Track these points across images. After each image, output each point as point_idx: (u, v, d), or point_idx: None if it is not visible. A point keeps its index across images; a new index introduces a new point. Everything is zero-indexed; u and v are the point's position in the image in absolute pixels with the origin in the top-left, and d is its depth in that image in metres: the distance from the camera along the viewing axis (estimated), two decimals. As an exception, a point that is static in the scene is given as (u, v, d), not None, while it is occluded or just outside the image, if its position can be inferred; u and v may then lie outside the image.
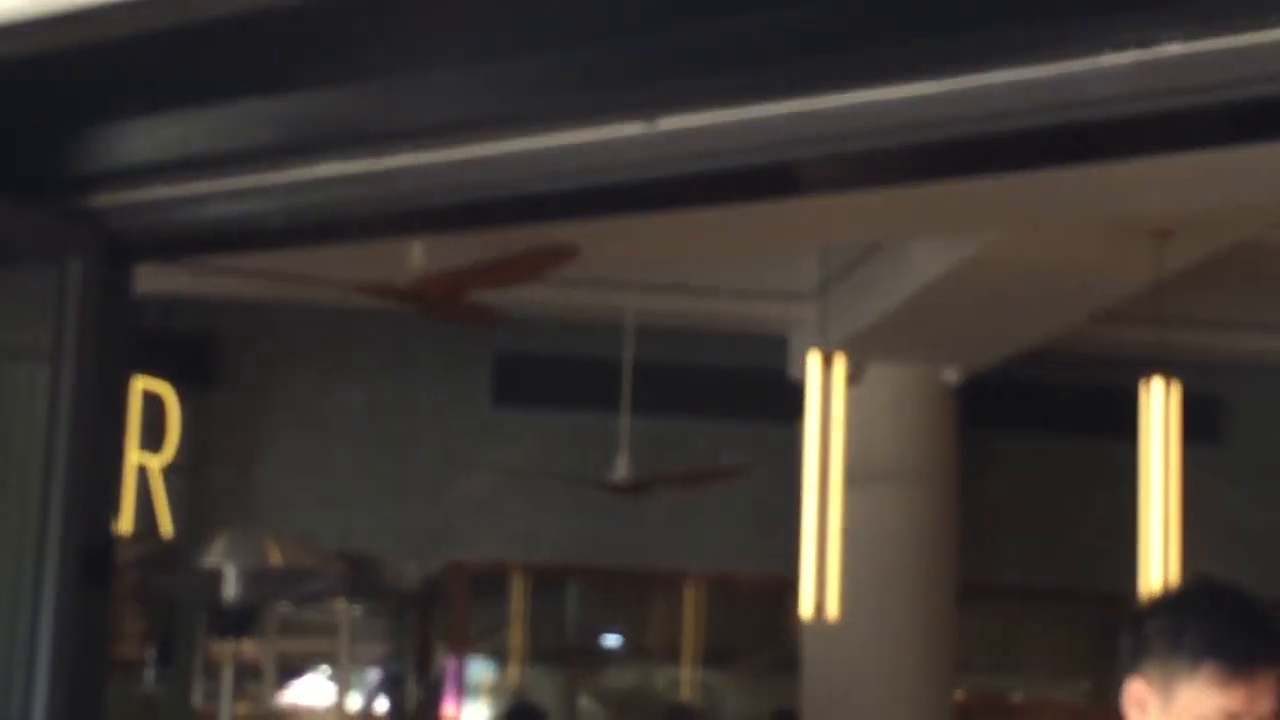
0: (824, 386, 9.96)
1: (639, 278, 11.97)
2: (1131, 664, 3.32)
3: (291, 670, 15.73)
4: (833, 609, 9.97)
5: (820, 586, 9.80)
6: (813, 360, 10.17)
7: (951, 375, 12.27)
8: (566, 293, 11.89)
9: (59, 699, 4.38)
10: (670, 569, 14.00)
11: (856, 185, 5.06)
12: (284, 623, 14.80)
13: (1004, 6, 3.55)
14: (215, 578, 5.00)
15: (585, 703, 15.15)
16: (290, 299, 12.04)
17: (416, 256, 7.87)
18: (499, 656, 14.75)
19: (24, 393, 4.70)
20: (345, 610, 14.87)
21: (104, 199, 4.67)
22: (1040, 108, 3.55)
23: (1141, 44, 3.36)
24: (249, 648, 14.95)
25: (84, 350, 4.61)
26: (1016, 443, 13.65)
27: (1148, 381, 9.18)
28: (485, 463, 13.00)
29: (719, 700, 15.14)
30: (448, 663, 13.94)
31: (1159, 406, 8.98)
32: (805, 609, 10.05)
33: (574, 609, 14.89)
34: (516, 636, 14.74)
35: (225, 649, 5.11)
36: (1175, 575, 8.86)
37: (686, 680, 14.91)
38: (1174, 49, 3.34)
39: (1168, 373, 9.67)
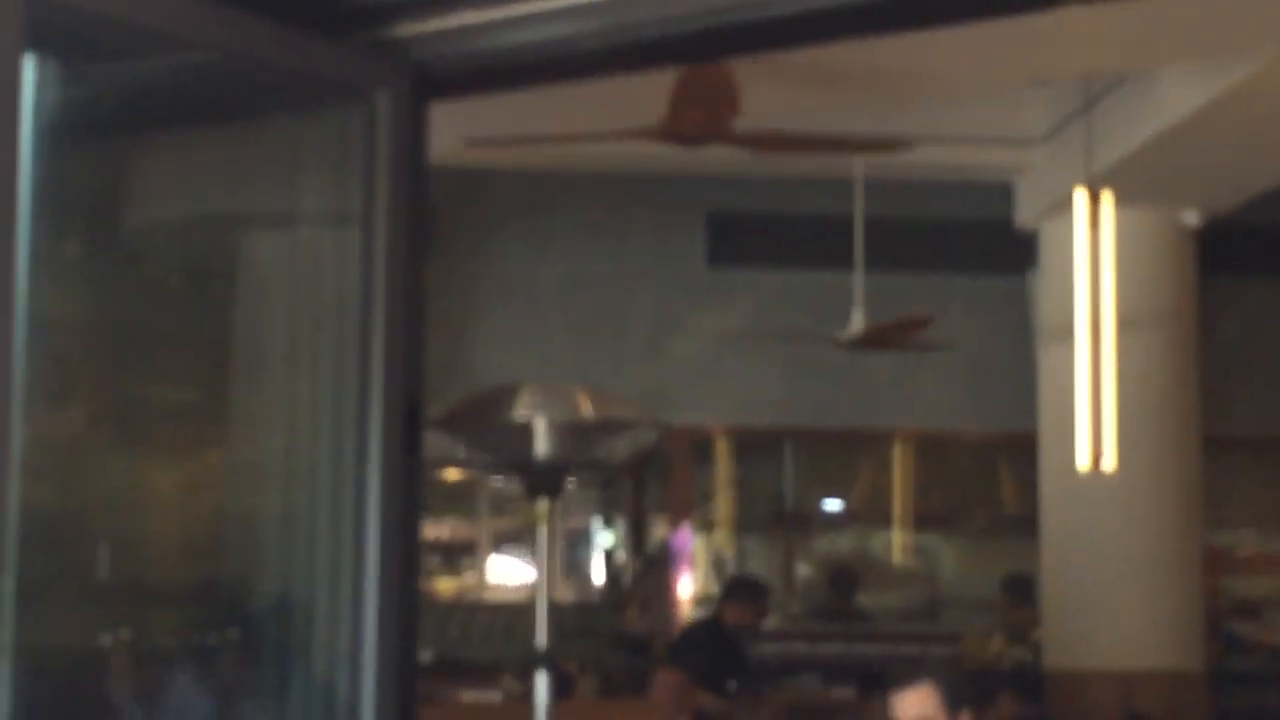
0: (1092, 225, 9.45)
1: (859, 127, 11.49)
2: None
3: (502, 547, 15.52)
4: (1109, 461, 9.53)
5: (1096, 438, 9.35)
6: (1079, 197, 9.63)
7: (1191, 218, 11.73)
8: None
9: (390, 563, 4.11)
10: (892, 428, 13.64)
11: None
12: (493, 498, 14.58)
13: None
14: (525, 432, 4.66)
15: (803, 569, 14.83)
16: (499, 165, 11.71)
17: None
18: (711, 526, 14.46)
19: (332, 247, 4.39)
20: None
21: (408, 27, 4.31)
22: None
23: None
24: (459, 525, 14.79)
25: (396, 191, 4.27)
26: (1259, 288, 13.11)
27: None
28: (700, 326, 12.67)
29: (940, 564, 14.76)
30: (675, 532, 13.67)
31: None
32: (1081, 461, 9.61)
33: (791, 473, 14.53)
34: (727, 504, 14.45)
35: (540, 509, 4.78)
36: None
37: (905, 545, 14.56)
38: None
39: None
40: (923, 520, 14.37)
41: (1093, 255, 9.54)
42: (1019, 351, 12.74)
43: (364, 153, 4.26)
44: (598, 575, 14.91)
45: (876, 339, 10.66)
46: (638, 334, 12.94)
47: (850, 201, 11.51)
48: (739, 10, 4.22)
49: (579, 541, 15.29)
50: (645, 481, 14.22)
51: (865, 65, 8.20)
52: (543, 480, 4.82)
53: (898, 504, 14.28)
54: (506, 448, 4.86)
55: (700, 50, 4.40)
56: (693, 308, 12.93)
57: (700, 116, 7.42)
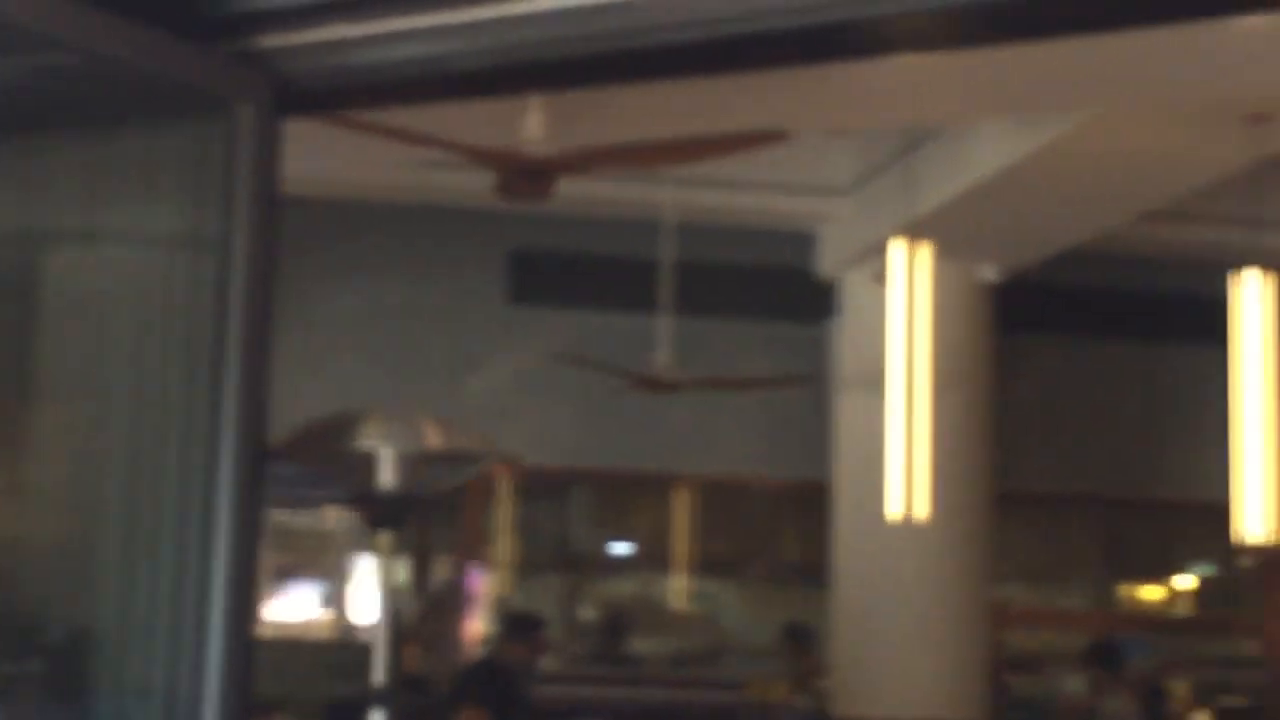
0: (908, 282, 9.49)
1: (666, 171, 11.46)
2: None
3: (282, 581, 15.21)
4: (921, 510, 9.56)
5: (909, 488, 9.36)
6: (897, 249, 9.66)
7: (990, 274, 11.85)
8: (585, 186, 11.39)
9: (236, 607, 3.94)
10: (681, 473, 13.58)
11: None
12: (276, 530, 14.28)
13: None
14: (368, 463, 4.52)
15: (586, 613, 14.72)
16: (299, 191, 11.46)
17: (535, 125, 7.33)
18: (498, 565, 14.29)
19: (180, 267, 4.21)
20: (339, 518, 14.35)
21: (274, 39, 4.16)
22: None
23: None
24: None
25: (255, 210, 4.11)
26: (1052, 347, 13.28)
27: (1238, 275, 8.74)
28: (498, 364, 12.53)
29: (722, 610, 14.74)
30: (464, 572, 13.49)
31: (1253, 302, 8.55)
32: (893, 511, 9.62)
33: (578, 515, 14.43)
34: (509, 544, 14.30)
35: (381, 542, 4.62)
36: (1272, 479, 8.46)
37: (688, 590, 14.51)
38: None
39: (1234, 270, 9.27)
40: (708, 566, 14.33)
41: (909, 309, 9.57)
42: (814, 401, 12.77)
43: (224, 169, 4.10)
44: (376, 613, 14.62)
45: (689, 384, 10.62)
46: (435, 369, 12.76)
47: (652, 244, 11.47)
48: (614, 38, 4.12)
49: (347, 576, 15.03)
50: (430, 518, 14.03)
51: (684, 105, 8.13)
52: (387, 512, 4.66)
53: (680, 549, 14.23)
54: (346, 479, 4.70)
55: (572, 76, 4.29)
56: (492, 345, 12.79)
57: (526, 189, 7.31)
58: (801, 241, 12.82)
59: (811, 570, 12.90)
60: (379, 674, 4.65)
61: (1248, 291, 8.60)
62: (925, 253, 9.66)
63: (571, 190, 10.87)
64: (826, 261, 12.68)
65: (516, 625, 11.39)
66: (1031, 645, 14.14)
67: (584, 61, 4.30)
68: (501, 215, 12.50)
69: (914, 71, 8.10)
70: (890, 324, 9.63)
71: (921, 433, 9.53)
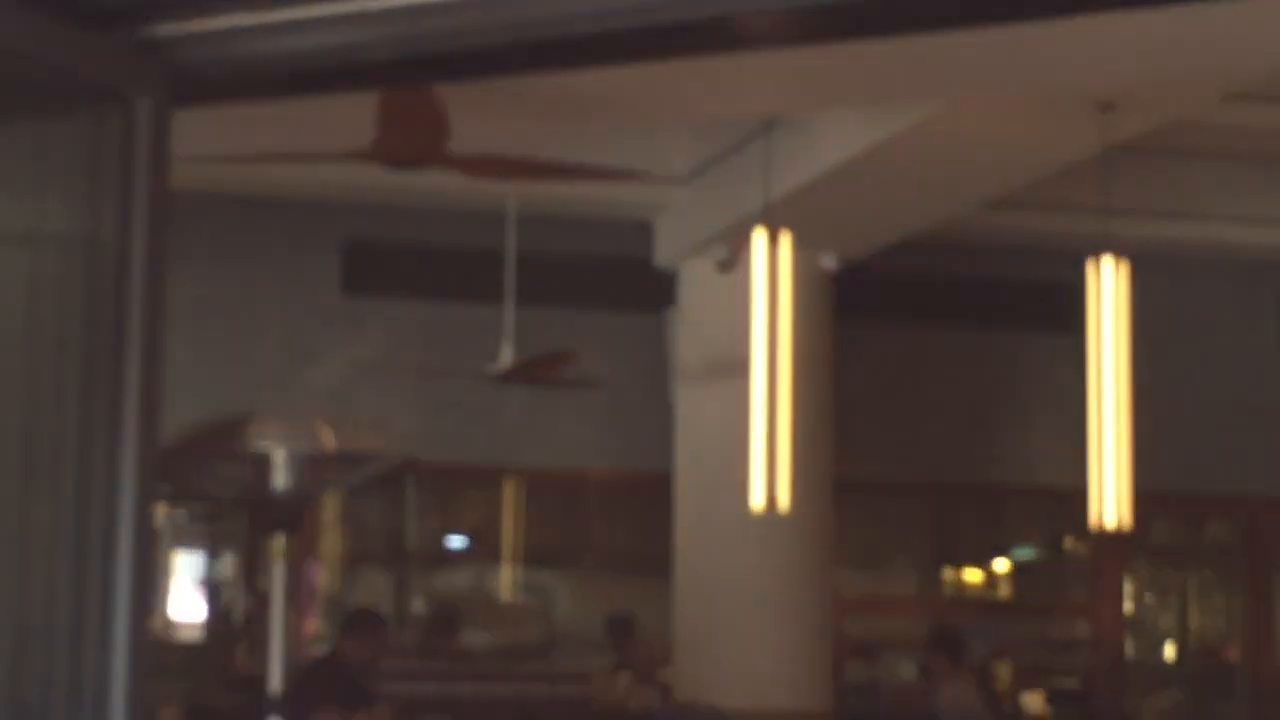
0: (768, 269, 9.42)
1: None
2: None
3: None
4: (784, 500, 9.52)
5: (771, 480, 9.31)
6: (759, 237, 9.57)
7: (830, 262, 11.85)
8: (422, 176, 11.23)
9: (137, 620, 3.80)
10: (515, 465, 13.46)
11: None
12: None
13: None
14: (260, 464, 4.37)
15: (419, 605, 14.55)
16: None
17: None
18: (327, 559, 14.07)
19: (79, 273, 4.04)
20: (167, 514, 14.05)
21: (170, 27, 4.00)
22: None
23: None
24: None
25: (152, 205, 3.95)
26: (887, 333, 13.33)
27: (1093, 262, 8.79)
28: (333, 355, 12.33)
29: (556, 603, 14.64)
30: (297, 568, 13.25)
31: (1108, 289, 8.60)
32: (756, 502, 9.56)
33: (413, 507, 14.25)
34: (338, 538, 14.10)
35: (276, 546, 4.48)
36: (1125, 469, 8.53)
37: (520, 582, 14.40)
38: None
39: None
40: (542, 558, 14.23)
41: (771, 293, 9.52)
42: (654, 391, 12.71)
43: (117, 162, 3.93)
44: (201, 611, 14.35)
45: (523, 374, 10.49)
46: (269, 361, 12.52)
47: (491, 233, 11.33)
48: (523, 28, 4.02)
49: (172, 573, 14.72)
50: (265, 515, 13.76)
51: (550, 92, 8.04)
52: (281, 516, 4.51)
53: (513, 541, 14.12)
54: (234, 481, 4.55)
55: (479, 67, 4.17)
56: (326, 337, 12.58)
57: (407, 140, 7.15)
58: (640, 230, 12.75)
59: (651, 561, 12.84)
60: (275, 681, 4.51)
61: (1102, 278, 8.65)
62: (785, 240, 9.61)
63: (408, 180, 10.74)
64: (665, 250, 12.62)
65: (356, 622, 11.19)
66: (866, 632, 14.20)
67: (488, 52, 4.19)
68: (335, 205, 12.32)
69: (766, 63, 8.06)
70: (753, 312, 9.58)
71: (783, 422, 9.49)
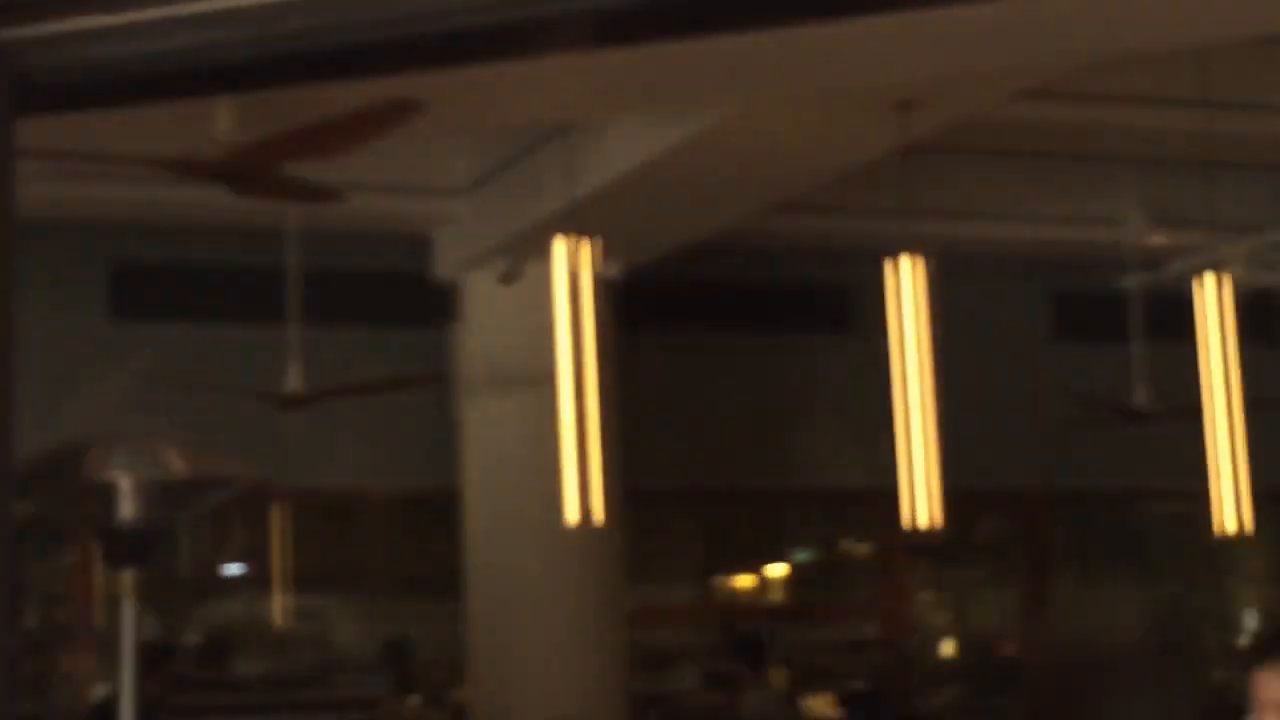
0: (567, 280, 9.24)
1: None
2: None
3: None
4: (598, 514, 9.33)
5: (584, 493, 9.12)
6: (560, 245, 9.37)
7: (613, 270, 11.70)
8: (190, 194, 10.90)
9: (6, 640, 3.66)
10: (293, 487, 13.11)
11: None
12: None
13: None
14: (105, 493, 4.12)
15: (191, 636, 14.13)
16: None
17: (224, 122, 6.87)
18: (95, 593, 13.58)
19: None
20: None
21: (8, 33, 3.74)
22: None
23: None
24: None
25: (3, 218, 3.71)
26: (667, 340, 13.24)
27: (895, 262, 8.76)
28: (100, 384, 11.91)
29: (334, 627, 14.32)
30: (69, 604, 12.80)
31: (906, 289, 8.57)
32: (571, 514, 9.36)
33: (183, 534, 13.83)
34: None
35: (124, 581, 4.22)
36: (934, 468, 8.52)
37: (296, 608, 14.05)
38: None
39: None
40: (321, 582, 13.89)
41: (572, 303, 9.34)
42: (437, 407, 12.48)
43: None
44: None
45: (316, 398, 10.22)
46: (34, 390, 12.02)
47: (266, 252, 11.04)
48: (365, 29, 3.86)
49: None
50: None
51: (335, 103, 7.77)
52: (130, 549, 4.24)
53: (287, 566, 13.78)
54: (79, 511, 4.27)
55: (358, 65, 3.97)
56: (94, 363, 12.14)
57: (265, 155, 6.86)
58: (419, 244, 12.51)
59: (435, 580, 12.61)
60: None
61: (901, 279, 8.63)
62: (584, 248, 9.45)
63: (176, 197, 10.41)
64: (446, 264, 12.39)
65: (145, 658, 10.82)
66: (653, 642, 14.10)
67: (330, 54, 4.01)
68: (101, 227, 11.93)
69: (551, 69, 7.89)
70: (556, 322, 9.40)
71: (593, 434, 9.33)
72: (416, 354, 12.69)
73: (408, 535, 13.86)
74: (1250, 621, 16.21)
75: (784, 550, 15.12)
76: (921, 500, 8.53)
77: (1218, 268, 11.18)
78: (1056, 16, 7.56)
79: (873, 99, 8.71)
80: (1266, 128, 11.33)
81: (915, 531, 8.93)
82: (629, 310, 12.20)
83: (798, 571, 15.09)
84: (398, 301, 12.72)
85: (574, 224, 10.60)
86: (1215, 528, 9.49)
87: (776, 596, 15.09)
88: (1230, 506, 9.39)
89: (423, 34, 3.89)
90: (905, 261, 8.63)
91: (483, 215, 11.68)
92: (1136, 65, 9.49)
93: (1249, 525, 9.44)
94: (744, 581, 15.10)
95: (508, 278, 11.38)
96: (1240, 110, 10.65)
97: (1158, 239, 12.67)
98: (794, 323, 13.69)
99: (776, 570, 15.04)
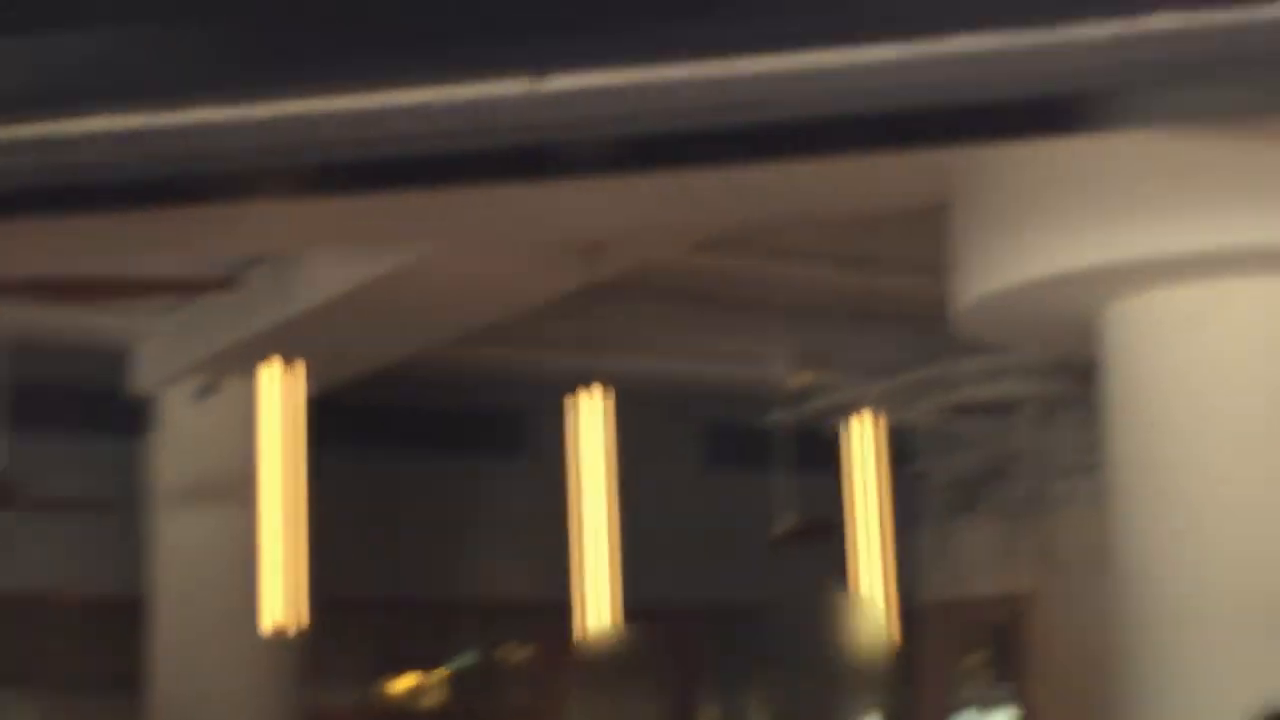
0: (269, 399, 9.87)
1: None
2: None
3: None
4: (291, 622, 9.94)
5: (278, 601, 9.73)
6: (271, 368, 10.01)
7: (309, 390, 12.35)
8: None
9: None
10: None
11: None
12: None
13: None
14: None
15: None
16: None
17: None
18: None
19: None
20: None
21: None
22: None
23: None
24: None
25: None
26: (366, 459, 13.97)
27: (575, 396, 9.60)
28: None
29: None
30: None
31: (594, 418, 9.42)
32: (266, 622, 9.94)
33: None
34: None
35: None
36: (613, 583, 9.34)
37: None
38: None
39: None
40: (6, 679, 14.16)
41: (279, 419, 9.97)
42: (128, 515, 12.92)
43: None
44: None
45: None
46: None
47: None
48: (241, 156, 4.45)
49: None
50: None
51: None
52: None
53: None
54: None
55: (181, 194, 4.58)
56: None
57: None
58: (116, 358, 12.99)
59: (123, 682, 13.01)
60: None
61: (585, 408, 9.48)
62: (288, 370, 10.12)
63: None
64: (143, 377, 12.89)
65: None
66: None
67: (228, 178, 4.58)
68: None
69: (254, 210, 8.55)
70: (262, 439, 10.03)
71: (300, 544, 9.96)
72: (115, 466, 13.14)
73: (96, 637, 14.21)
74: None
75: (448, 656, 15.85)
76: (595, 612, 9.34)
77: (855, 406, 12.37)
78: (743, 182, 8.48)
79: (560, 244, 9.56)
80: (913, 283, 12.44)
81: (580, 640, 9.72)
82: (324, 428, 12.87)
83: (459, 677, 15.81)
84: (94, 413, 13.16)
85: (274, 345, 11.30)
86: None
87: (437, 700, 15.77)
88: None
89: (131, 180, 4.34)
90: (585, 393, 9.49)
91: (183, 331, 12.23)
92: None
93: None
94: (406, 685, 15.76)
95: (203, 393, 11.96)
96: (892, 266, 11.75)
97: (801, 379, 13.84)
98: (473, 445, 14.55)
99: (438, 675, 15.75)
